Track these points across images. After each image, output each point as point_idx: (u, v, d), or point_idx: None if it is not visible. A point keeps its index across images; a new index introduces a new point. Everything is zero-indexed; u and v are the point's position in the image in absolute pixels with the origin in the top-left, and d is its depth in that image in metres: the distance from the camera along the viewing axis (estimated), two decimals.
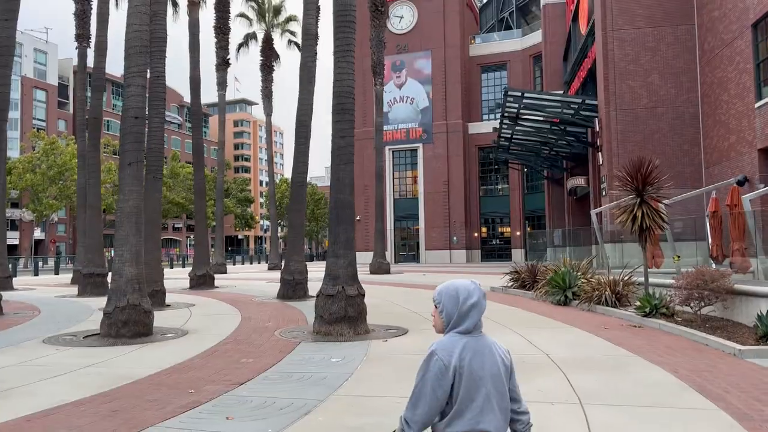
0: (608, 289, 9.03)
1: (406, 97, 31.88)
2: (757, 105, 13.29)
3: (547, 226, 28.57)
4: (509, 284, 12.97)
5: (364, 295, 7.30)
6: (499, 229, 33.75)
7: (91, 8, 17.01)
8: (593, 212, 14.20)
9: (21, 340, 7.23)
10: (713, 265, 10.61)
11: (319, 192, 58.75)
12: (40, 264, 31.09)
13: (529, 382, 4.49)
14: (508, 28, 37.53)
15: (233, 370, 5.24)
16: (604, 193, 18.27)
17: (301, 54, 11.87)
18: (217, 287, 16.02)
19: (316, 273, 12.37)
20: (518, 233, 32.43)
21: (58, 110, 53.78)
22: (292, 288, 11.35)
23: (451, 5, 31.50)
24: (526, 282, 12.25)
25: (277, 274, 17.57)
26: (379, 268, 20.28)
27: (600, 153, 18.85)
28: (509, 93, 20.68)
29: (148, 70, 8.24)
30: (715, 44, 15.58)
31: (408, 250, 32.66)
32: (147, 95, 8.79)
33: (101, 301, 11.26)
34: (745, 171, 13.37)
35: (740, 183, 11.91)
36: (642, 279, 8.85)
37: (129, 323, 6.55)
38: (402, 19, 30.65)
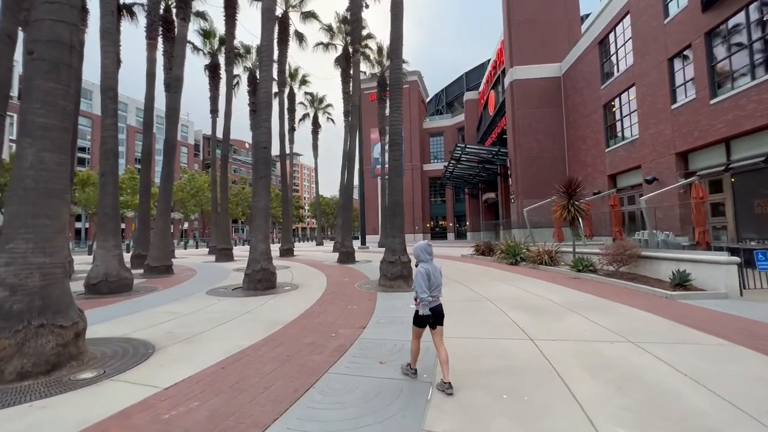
0: (546, 255, 11.76)
1: None
2: (606, 150, 17.82)
3: (467, 221, 44.37)
4: (473, 253, 16.56)
5: (410, 261, 8.65)
6: (439, 222, 50.99)
7: (219, 94, 23.85)
8: (525, 210, 16.96)
9: (191, 292, 8.46)
10: (584, 240, 14.00)
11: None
12: (185, 243, 46.87)
13: (564, 321, 5.20)
14: (440, 113, 58.64)
15: (348, 315, 5.84)
16: (513, 201, 24.14)
17: (352, 119, 18.52)
18: (295, 255, 20.80)
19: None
20: (450, 224, 49.86)
21: (194, 158, 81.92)
22: (346, 257, 15.18)
23: (414, 101, 48.33)
24: (485, 252, 15.84)
25: (322, 249, 27.16)
26: (383, 243, 28.20)
27: (510, 178, 24.61)
28: (458, 145, 28.15)
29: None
30: (577, 117, 20.79)
31: (384, 234, 49.91)
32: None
33: (231, 265, 14.93)
34: (599, 188, 17.90)
35: (649, 182, 14.27)
36: (563, 249, 11.87)
37: (262, 280, 8.21)
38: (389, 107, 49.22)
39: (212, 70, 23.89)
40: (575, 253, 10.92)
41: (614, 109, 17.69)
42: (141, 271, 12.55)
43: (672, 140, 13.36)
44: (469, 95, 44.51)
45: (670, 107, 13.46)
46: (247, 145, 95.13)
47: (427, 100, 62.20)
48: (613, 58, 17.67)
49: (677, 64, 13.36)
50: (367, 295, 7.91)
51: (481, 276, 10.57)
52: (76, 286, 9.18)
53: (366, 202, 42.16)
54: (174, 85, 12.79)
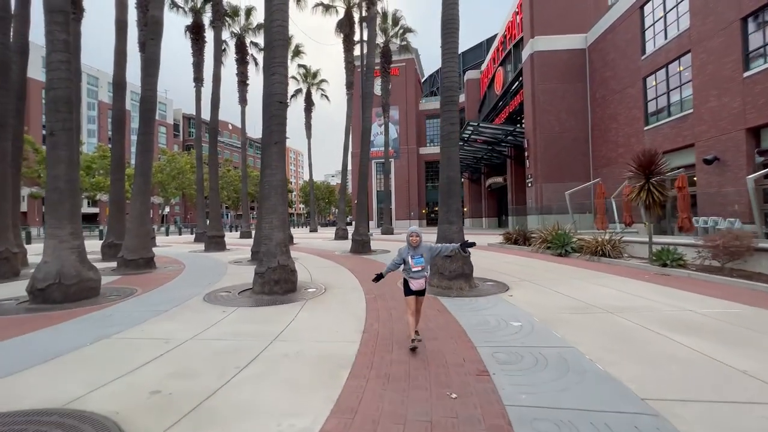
0: (608, 245, 10.14)
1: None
2: (645, 128, 16.20)
3: (465, 208, 41.57)
4: (503, 242, 14.69)
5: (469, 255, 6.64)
6: (434, 208, 48.27)
7: (203, 60, 21.53)
8: (567, 193, 15.69)
9: (183, 297, 6.18)
10: (618, 227, 13.30)
11: (331, 186, 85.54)
12: (167, 229, 44.41)
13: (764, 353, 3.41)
14: (434, 95, 55.78)
15: (432, 341, 3.92)
16: (530, 185, 22.37)
17: (366, 86, 15.86)
18: (296, 243, 18.29)
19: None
20: None
21: (173, 139, 77.89)
22: (361, 246, 13.21)
23: (409, 81, 46.36)
24: (517, 240, 13.92)
25: (320, 236, 25.20)
26: (387, 230, 28.47)
27: (527, 160, 22.76)
28: (470, 123, 25.47)
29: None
30: (606, 93, 19.03)
31: (386, 220, 44.48)
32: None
33: (226, 256, 12.69)
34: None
35: (708, 162, 12.92)
36: (630, 239, 10.45)
37: (280, 282, 6.17)
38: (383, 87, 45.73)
39: (195, 31, 20.82)
40: (652, 244, 9.10)
41: (658, 82, 15.81)
42: (114, 264, 10.05)
43: (742, 113, 11.59)
44: (470, 74, 42.18)
45: (741, 75, 11.63)
46: (230, 126, 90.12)
47: (423, 80, 59.67)
48: (659, 24, 15.68)
49: (752, 24, 11.42)
50: (427, 301, 5.88)
51: (546, 272, 8.71)
52: (20, 288, 6.73)
53: (357, 187, 41.48)
54: (152, 31, 10.08)
